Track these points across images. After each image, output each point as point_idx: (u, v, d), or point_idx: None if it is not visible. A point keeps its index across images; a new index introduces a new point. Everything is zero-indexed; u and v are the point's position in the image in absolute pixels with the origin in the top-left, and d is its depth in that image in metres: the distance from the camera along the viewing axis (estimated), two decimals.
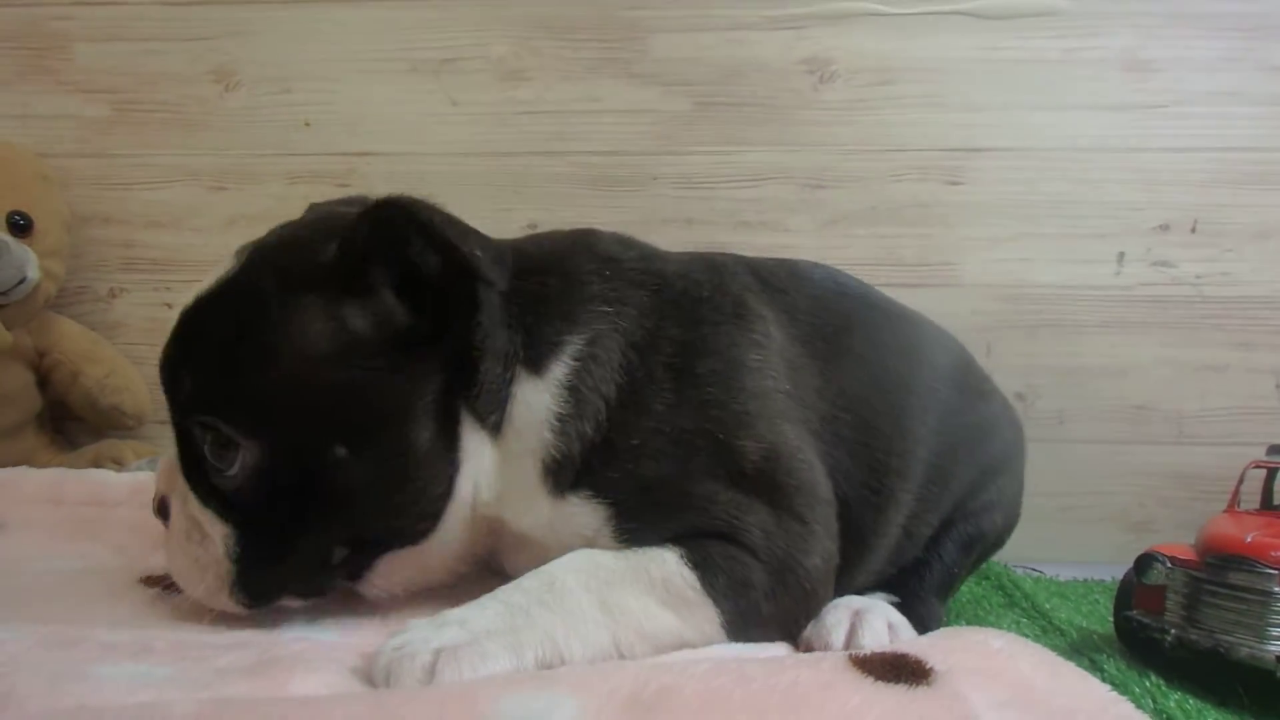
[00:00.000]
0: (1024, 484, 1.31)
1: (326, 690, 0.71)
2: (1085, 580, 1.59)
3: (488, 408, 0.91)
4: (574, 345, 0.93)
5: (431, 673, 0.71)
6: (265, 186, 1.97)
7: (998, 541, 1.26)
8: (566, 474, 0.92)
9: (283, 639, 0.86)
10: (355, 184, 1.96)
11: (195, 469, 0.86)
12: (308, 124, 1.97)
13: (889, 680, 0.65)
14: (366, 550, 0.90)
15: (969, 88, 1.90)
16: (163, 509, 0.91)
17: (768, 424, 0.95)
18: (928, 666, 0.67)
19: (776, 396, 0.98)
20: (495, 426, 0.92)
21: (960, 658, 0.70)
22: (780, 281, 1.11)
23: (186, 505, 0.87)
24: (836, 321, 1.10)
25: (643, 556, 0.87)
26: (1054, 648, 1.14)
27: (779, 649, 0.89)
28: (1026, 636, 1.19)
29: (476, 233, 0.86)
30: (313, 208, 1.10)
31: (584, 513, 0.92)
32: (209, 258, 1.92)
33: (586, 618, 0.80)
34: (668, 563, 0.86)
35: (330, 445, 0.84)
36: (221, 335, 0.84)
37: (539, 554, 0.90)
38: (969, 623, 1.29)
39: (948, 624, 1.28)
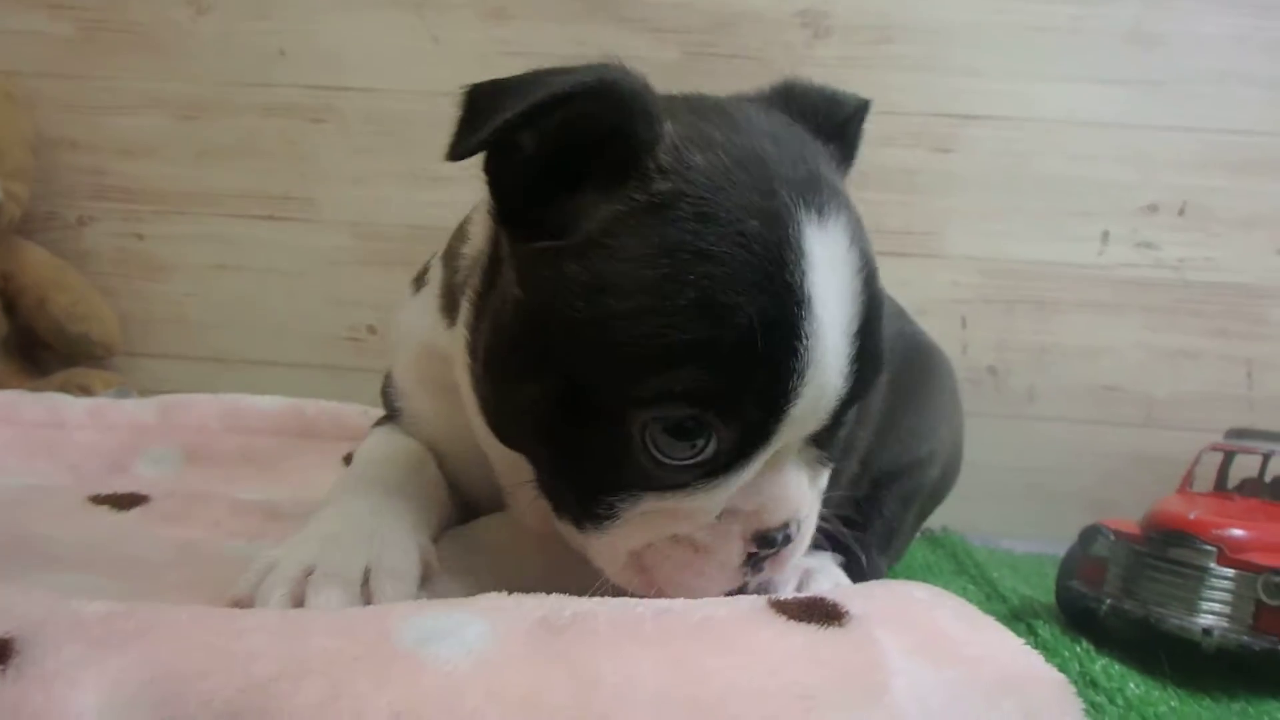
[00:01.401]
0: (961, 440, 1.34)
1: None
2: (1040, 554, 1.63)
3: None
4: None
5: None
6: (238, 119, 1.99)
7: (935, 494, 1.29)
8: None
9: (225, 558, 0.91)
10: (331, 120, 1.97)
11: (833, 439, 0.80)
12: (283, 53, 1.97)
13: (802, 620, 0.67)
14: None
15: (969, 51, 1.91)
16: (785, 541, 0.78)
17: None
18: (843, 610, 0.70)
19: None
20: None
21: (879, 605, 0.74)
22: None
23: (813, 492, 0.81)
24: None
25: None
26: (995, 613, 1.17)
27: None
28: (972, 601, 1.22)
29: None
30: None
31: None
32: (180, 189, 1.96)
33: None
34: None
35: None
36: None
37: None
38: None
39: None
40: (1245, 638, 0.99)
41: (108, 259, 2.02)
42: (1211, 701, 0.94)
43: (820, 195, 0.70)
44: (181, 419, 1.43)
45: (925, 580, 1.33)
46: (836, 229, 0.70)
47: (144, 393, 1.77)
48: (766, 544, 0.75)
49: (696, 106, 0.77)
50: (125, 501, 1.07)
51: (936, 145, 1.93)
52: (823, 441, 0.77)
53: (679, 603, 0.70)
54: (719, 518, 0.74)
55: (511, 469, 0.86)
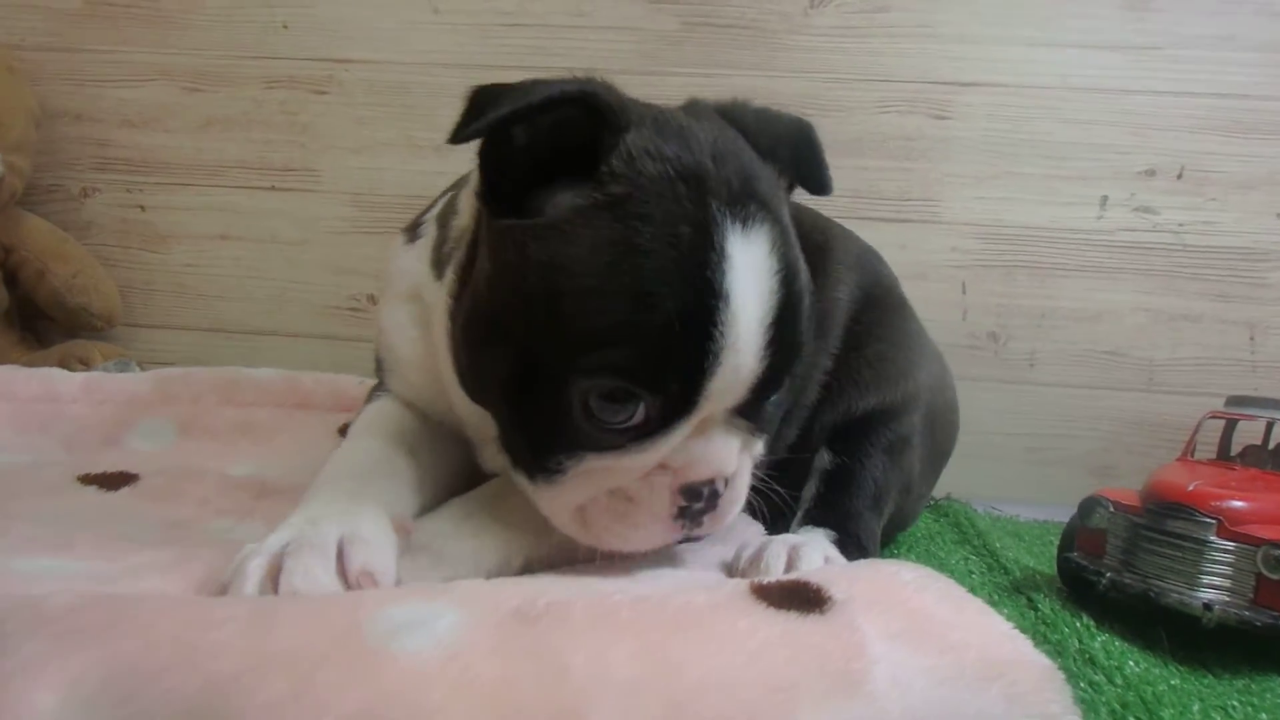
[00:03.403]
0: (949, 392, 1.31)
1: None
2: (1044, 521, 1.60)
3: None
4: None
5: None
6: (241, 89, 1.94)
7: (933, 449, 1.26)
8: None
9: (211, 539, 0.88)
10: (333, 91, 1.93)
11: (760, 413, 0.86)
12: (285, 27, 1.92)
13: (783, 607, 0.66)
14: None
15: (964, 19, 1.86)
16: (712, 496, 0.84)
17: None
18: (826, 595, 0.69)
19: None
20: None
21: (864, 588, 0.71)
22: None
23: (744, 456, 0.87)
24: None
25: None
26: (996, 585, 1.17)
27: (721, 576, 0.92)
28: (973, 573, 1.23)
29: None
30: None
31: None
32: (184, 160, 1.92)
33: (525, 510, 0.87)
34: None
35: None
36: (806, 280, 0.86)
37: None
38: (920, 556, 1.30)
39: (898, 555, 1.31)
40: (1246, 612, 0.95)
41: (110, 230, 1.98)
42: (1213, 679, 0.91)
43: (747, 208, 0.79)
44: (176, 392, 1.39)
45: (928, 549, 1.34)
46: (758, 237, 0.79)
47: (144, 363, 1.75)
48: (693, 497, 0.82)
49: (661, 122, 0.84)
50: (114, 481, 1.04)
51: (933, 112, 1.88)
52: (749, 414, 0.84)
53: (657, 589, 0.68)
54: (651, 473, 0.81)
55: (478, 422, 0.95)
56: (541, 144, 0.80)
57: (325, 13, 1.92)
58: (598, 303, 0.76)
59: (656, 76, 1.89)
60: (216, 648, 0.53)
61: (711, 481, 0.82)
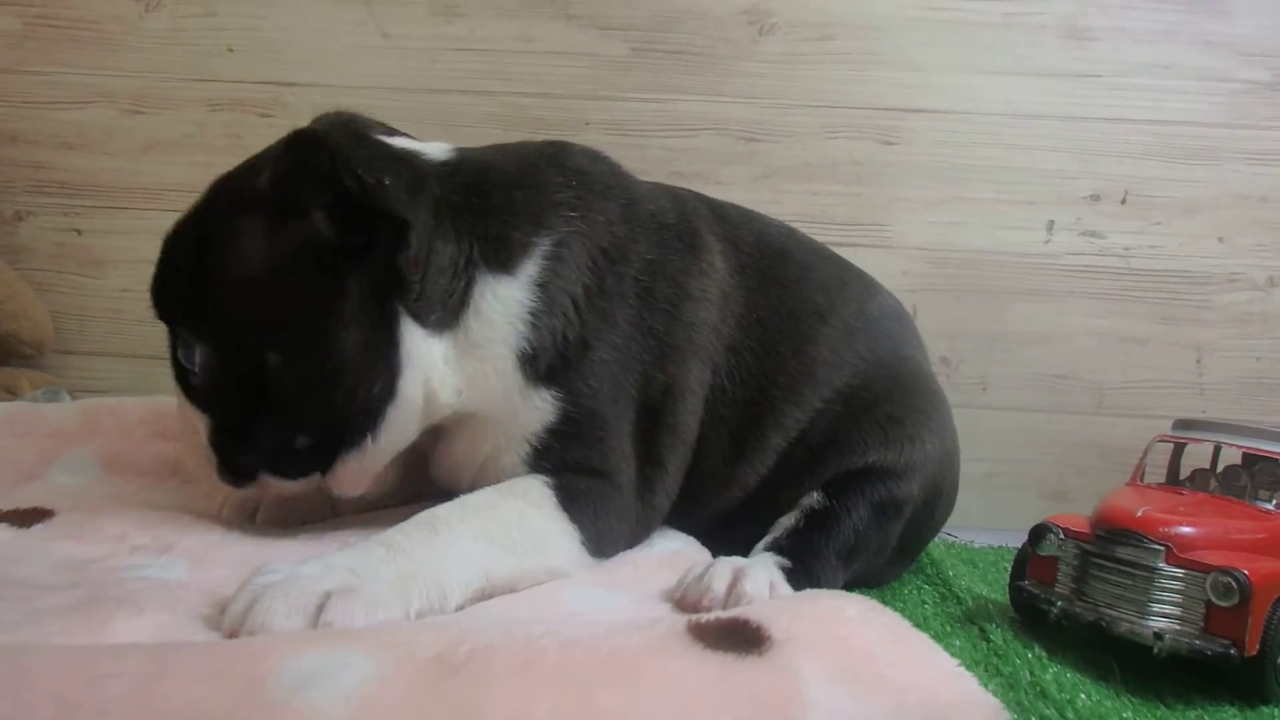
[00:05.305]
0: (955, 469, 1.24)
1: (152, 632, 0.65)
2: (999, 547, 1.55)
3: (428, 310, 0.95)
4: (542, 247, 1.01)
5: (316, 615, 0.67)
6: (184, 112, 1.84)
7: (920, 522, 1.18)
8: (540, 364, 0.99)
9: (122, 578, 0.79)
10: (279, 114, 1.84)
11: (180, 370, 0.96)
12: (231, 50, 1.83)
13: (719, 649, 0.61)
14: (328, 444, 0.94)
15: (909, 47, 1.83)
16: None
17: (680, 359, 1.06)
18: (766, 634, 0.63)
19: (703, 329, 1.09)
20: (442, 324, 0.96)
21: (805, 625, 0.66)
22: (733, 218, 1.22)
23: (180, 401, 0.97)
24: (773, 256, 1.20)
25: (512, 484, 0.97)
26: (949, 615, 1.11)
27: (661, 608, 0.85)
28: (925, 603, 1.17)
29: (393, 160, 0.93)
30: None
31: (543, 409, 1.00)
32: (123, 184, 1.82)
33: (465, 545, 0.84)
34: (533, 486, 0.96)
35: (264, 350, 0.90)
36: (185, 255, 0.94)
37: (470, 458, 1.02)
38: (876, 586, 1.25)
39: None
40: (1197, 641, 0.90)
41: (44, 254, 1.86)
42: (1165, 710, 0.86)
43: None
44: (104, 423, 1.27)
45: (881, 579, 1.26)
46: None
47: (77, 392, 1.63)
48: None
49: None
50: (26, 518, 0.94)
51: (881, 138, 1.83)
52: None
53: (587, 633, 0.62)
54: None
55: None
56: None
57: (271, 36, 1.83)
58: None
59: (606, 102, 1.83)
60: (102, 706, 0.47)
61: None
